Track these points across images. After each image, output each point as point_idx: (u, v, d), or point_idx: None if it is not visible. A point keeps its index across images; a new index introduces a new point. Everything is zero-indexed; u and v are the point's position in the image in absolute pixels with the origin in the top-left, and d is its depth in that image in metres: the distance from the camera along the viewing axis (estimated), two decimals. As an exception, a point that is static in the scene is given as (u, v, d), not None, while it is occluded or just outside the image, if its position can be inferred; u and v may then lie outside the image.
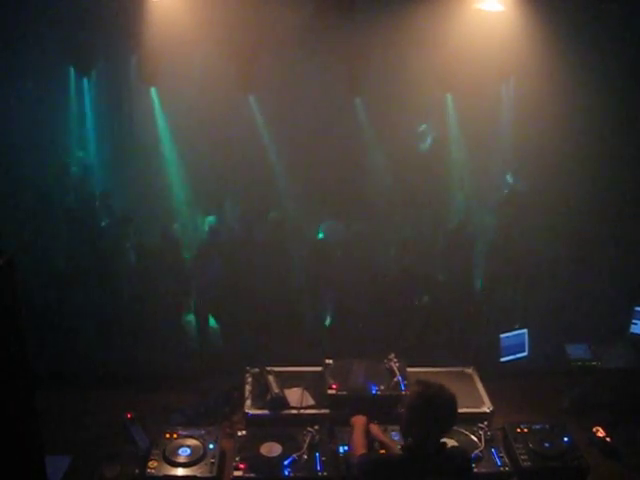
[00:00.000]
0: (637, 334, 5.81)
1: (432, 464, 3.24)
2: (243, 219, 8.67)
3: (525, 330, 5.69)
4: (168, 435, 4.37)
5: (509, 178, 9.02)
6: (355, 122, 9.25)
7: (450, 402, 3.25)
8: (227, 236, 8.16)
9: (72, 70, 9.07)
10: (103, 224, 8.27)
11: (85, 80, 9.36)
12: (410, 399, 3.36)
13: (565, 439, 4.47)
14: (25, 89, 8.57)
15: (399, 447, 3.50)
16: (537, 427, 4.57)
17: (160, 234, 7.96)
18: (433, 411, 3.22)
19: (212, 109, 9.00)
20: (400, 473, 3.26)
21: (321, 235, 8.19)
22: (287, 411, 4.66)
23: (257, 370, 4.99)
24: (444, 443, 3.31)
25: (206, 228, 8.46)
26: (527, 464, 4.26)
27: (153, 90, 9.19)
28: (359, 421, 4.01)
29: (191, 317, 7.64)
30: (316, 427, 4.38)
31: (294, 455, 4.17)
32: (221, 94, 8.74)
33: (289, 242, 8.01)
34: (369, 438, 3.90)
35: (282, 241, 7.85)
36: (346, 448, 4.15)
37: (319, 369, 4.98)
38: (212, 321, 7.59)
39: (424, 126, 9.44)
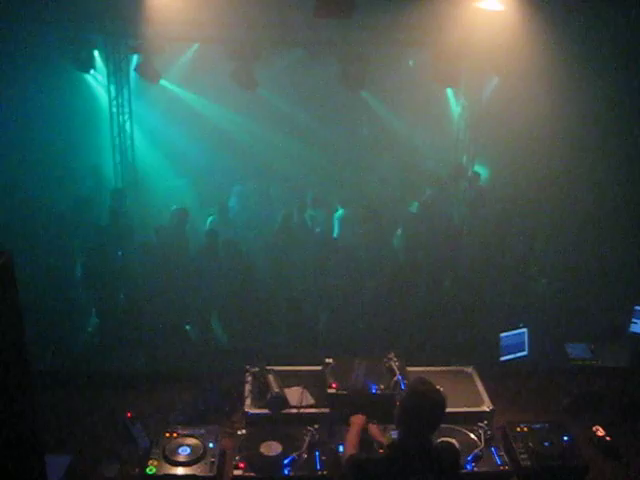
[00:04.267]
0: (637, 333, 5.81)
1: (417, 463, 3.25)
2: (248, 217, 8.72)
3: (525, 329, 5.69)
4: (168, 434, 4.37)
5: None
6: (354, 120, 9.28)
7: (436, 403, 3.29)
8: (230, 235, 8.17)
9: (71, 69, 9.07)
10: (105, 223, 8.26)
11: (84, 79, 9.36)
12: (402, 398, 3.44)
13: (565, 438, 4.47)
14: (24, 89, 8.57)
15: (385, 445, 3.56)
16: (537, 426, 4.57)
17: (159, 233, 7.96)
18: (418, 411, 3.27)
19: (212, 108, 9.03)
20: (385, 472, 3.28)
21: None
22: (287, 410, 4.66)
23: (257, 369, 4.99)
24: (431, 442, 3.33)
25: (207, 227, 8.50)
26: (527, 463, 4.26)
27: (154, 88, 9.20)
28: (356, 421, 4.02)
29: (193, 316, 7.64)
30: (316, 426, 4.38)
31: (294, 454, 4.17)
32: (221, 93, 8.76)
33: (293, 240, 8.02)
34: (366, 438, 3.91)
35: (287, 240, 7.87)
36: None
37: (319, 368, 4.99)
38: (214, 320, 7.58)
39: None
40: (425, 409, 3.28)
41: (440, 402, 3.32)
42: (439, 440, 4.21)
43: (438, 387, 3.42)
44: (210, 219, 8.68)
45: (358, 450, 3.73)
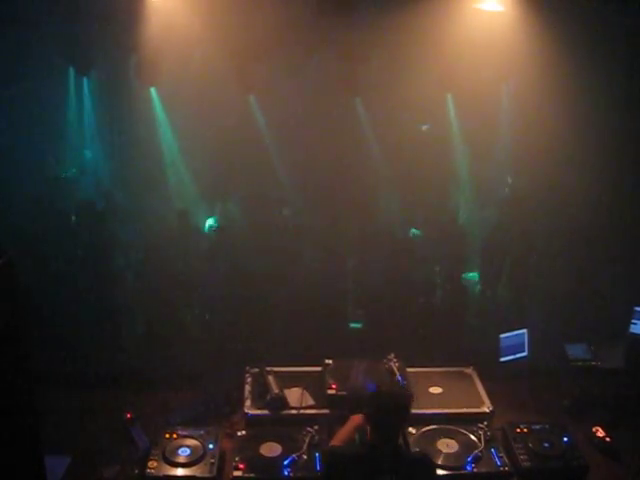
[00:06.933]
0: (637, 334, 5.81)
1: (388, 464, 3.29)
2: (247, 217, 8.71)
3: (525, 330, 5.69)
4: (168, 435, 4.38)
5: (509, 179, 9.14)
6: (354, 121, 9.26)
7: (393, 404, 3.40)
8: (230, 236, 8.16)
9: (71, 70, 9.06)
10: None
11: (85, 80, 9.35)
12: (369, 398, 3.56)
13: (565, 439, 4.47)
14: (24, 89, 8.56)
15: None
16: (537, 427, 4.58)
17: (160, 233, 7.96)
18: (380, 413, 3.38)
19: (212, 109, 9.01)
20: (356, 468, 3.34)
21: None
22: (287, 411, 4.67)
23: (257, 370, 5.00)
24: (401, 446, 3.42)
25: (206, 229, 8.50)
26: (527, 464, 4.27)
27: (153, 90, 9.18)
28: (355, 418, 4.01)
29: (193, 317, 7.64)
30: (316, 427, 4.38)
31: (294, 455, 4.18)
32: (221, 94, 8.75)
33: (294, 241, 8.01)
34: (358, 435, 3.92)
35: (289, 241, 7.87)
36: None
37: (319, 369, 4.99)
38: (214, 320, 7.58)
39: (426, 126, 9.43)
40: (390, 409, 3.37)
41: (404, 403, 3.46)
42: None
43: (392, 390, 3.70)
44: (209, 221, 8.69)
45: (342, 444, 3.74)
